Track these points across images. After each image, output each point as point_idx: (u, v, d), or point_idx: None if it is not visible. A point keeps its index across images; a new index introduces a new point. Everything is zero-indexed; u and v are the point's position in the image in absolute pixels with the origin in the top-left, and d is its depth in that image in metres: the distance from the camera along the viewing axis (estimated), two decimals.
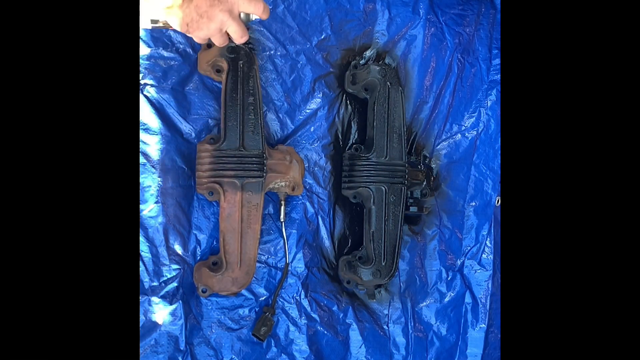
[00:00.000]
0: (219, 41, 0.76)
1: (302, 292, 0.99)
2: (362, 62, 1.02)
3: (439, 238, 1.06)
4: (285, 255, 0.98)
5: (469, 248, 1.06)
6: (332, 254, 1.02)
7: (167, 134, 0.92)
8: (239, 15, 0.75)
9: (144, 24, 0.75)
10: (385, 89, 0.99)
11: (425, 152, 1.07)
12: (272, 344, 0.97)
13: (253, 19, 0.79)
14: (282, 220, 0.97)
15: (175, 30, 0.78)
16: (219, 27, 0.74)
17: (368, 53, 1.03)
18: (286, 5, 0.97)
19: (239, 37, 0.76)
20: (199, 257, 0.95)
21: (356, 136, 1.04)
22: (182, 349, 0.92)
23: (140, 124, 0.90)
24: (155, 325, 0.91)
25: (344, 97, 1.03)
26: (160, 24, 0.76)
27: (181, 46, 0.92)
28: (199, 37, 0.75)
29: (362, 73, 1.00)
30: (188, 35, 0.75)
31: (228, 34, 0.76)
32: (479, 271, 1.05)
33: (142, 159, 0.90)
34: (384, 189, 0.98)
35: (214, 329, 0.95)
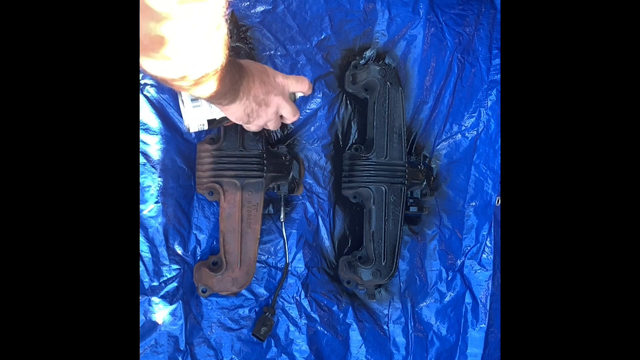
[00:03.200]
0: (274, 125, 0.80)
1: (302, 292, 0.99)
2: (362, 62, 1.02)
3: (439, 238, 1.06)
4: (285, 255, 0.98)
5: (469, 248, 1.06)
6: (332, 254, 1.02)
7: (167, 134, 0.92)
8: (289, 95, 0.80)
9: (196, 127, 0.79)
10: (385, 89, 0.99)
11: (425, 152, 1.07)
12: (272, 344, 0.97)
13: (298, 97, 0.84)
14: (282, 220, 0.97)
15: (229, 125, 0.82)
16: (275, 111, 0.77)
17: (368, 53, 1.03)
18: (286, 5, 0.97)
19: (292, 116, 0.80)
20: (199, 257, 0.95)
21: (356, 136, 1.04)
22: (182, 349, 0.92)
23: (140, 124, 0.90)
24: (155, 325, 0.91)
25: (344, 97, 1.03)
26: (217, 122, 0.81)
27: None
28: (257, 125, 0.78)
29: (362, 73, 1.00)
30: (246, 126, 0.78)
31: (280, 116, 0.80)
32: (479, 271, 1.05)
33: (142, 159, 0.90)
34: (384, 189, 0.98)
35: (214, 329, 0.95)
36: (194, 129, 0.80)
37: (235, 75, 0.67)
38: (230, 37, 0.91)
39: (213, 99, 0.68)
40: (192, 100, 0.77)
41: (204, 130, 0.82)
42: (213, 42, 0.55)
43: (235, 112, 0.74)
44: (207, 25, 0.52)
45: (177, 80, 0.57)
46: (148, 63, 0.53)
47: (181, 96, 0.78)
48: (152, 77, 0.61)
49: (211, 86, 0.62)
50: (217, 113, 0.78)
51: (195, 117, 0.79)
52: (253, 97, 0.73)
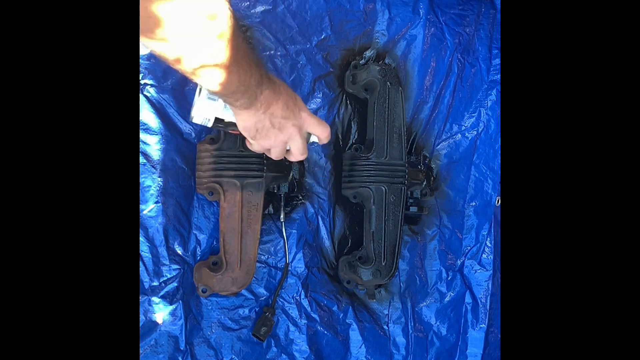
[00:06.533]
0: (277, 153, 0.77)
1: (302, 292, 0.99)
2: (362, 62, 1.02)
3: (439, 238, 1.06)
4: (285, 255, 0.98)
5: (469, 248, 1.06)
6: (332, 254, 1.02)
7: (167, 134, 0.92)
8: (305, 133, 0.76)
9: (201, 119, 0.76)
10: (385, 89, 0.99)
11: (425, 152, 1.07)
12: (272, 344, 0.97)
13: (311, 141, 0.79)
14: (282, 220, 0.97)
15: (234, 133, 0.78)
16: (285, 140, 0.74)
17: (368, 53, 1.03)
18: (286, 5, 0.97)
19: (300, 154, 0.77)
20: (199, 257, 0.95)
21: (356, 136, 1.04)
22: (182, 349, 0.92)
23: (140, 124, 0.90)
24: (155, 325, 0.91)
25: (344, 97, 1.03)
26: (222, 125, 0.77)
27: None
28: (261, 145, 0.75)
29: (362, 73, 1.00)
30: (250, 141, 0.75)
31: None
32: (479, 271, 1.05)
33: (142, 159, 0.90)
34: (384, 189, 0.98)
35: (214, 329, 0.95)
36: (198, 120, 0.77)
37: (252, 80, 0.65)
38: None
39: (225, 96, 0.66)
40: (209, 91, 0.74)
41: (204, 127, 0.79)
42: (208, 31, 0.55)
43: (246, 120, 0.71)
44: (203, 11, 0.53)
45: (174, 61, 0.57)
46: (147, 43, 0.54)
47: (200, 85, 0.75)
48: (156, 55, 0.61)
49: (216, 77, 0.61)
50: (228, 116, 0.76)
51: (205, 110, 0.75)
52: (270, 114, 0.71)
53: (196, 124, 0.94)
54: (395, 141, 1.00)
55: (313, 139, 0.80)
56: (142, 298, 0.91)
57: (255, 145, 0.76)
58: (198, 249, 0.95)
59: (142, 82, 0.90)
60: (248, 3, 0.95)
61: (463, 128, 1.07)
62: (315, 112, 1.00)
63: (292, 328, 0.98)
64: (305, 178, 1.00)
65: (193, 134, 0.94)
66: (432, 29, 1.04)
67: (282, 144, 0.75)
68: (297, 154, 0.77)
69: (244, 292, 0.96)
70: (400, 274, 1.04)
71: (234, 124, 0.75)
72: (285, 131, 0.73)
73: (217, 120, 0.76)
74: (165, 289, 0.92)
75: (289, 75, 0.98)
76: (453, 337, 1.04)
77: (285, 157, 0.79)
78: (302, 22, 0.98)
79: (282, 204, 0.97)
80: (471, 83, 1.07)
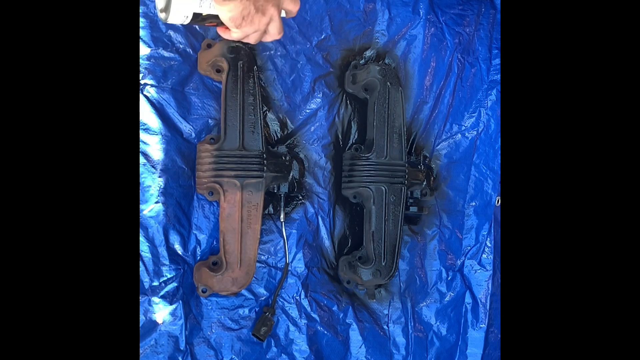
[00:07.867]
0: (257, 38, 0.74)
1: (302, 292, 0.99)
2: (362, 62, 1.02)
3: (439, 238, 1.06)
4: (285, 255, 0.98)
5: (469, 248, 1.06)
6: (332, 254, 1.02)
7: (167, 134, 0.92)
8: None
9: (180, 17, 0.70)
10: (385, 89, 0.99)
11: (425, 152, 1.07)
12: (272, 344, 0.97)
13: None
14: (282, 220, 0.97)
15: (205, 27, 0.73)
16: (267, 22, 0.72)
17: (368, 53, 1.03)
18: None
19: (278, 33, 0.74)
20: (199, 257, 0.95)
21: (356, 136, 1.04)
22: (182, 349, 0.92)
23: (140, 124, 0.90)
24: (155, 325, 0.91)
25: (344, 97, 1.03)
26: (200, 19, 0.71)
27: (181, 46, 0.92)
28: (245, 32, 0.72)
29: (362, 73, 1.00)
30: (233, 30, 0.71)
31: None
32: (479, 271, 1.05)
33: (142, 159, 0.90)
34: (384, 189, 0.98)
35: (214, 329, 0.95)
36: (176, 19, 0.70)
37: None
38: None
39: None
40: None
41: (203, 126, 0.75)
42: None
43: (232, 10, 0.68)
44: None
45: None
46: None
47: None
48: None
49: None
50: (205, 8, 0.71)
51: (183, 6, 0.70)
52: None
53: (196, 125, 0.94)
54: (395, 141, 1.00)
55: (282, 13, 0.76)
56: (142, 298, 0.91)
57: (238, 34, 0.72)
58: (198, 249, 0.95)
59: (142, 82, 0.90)
60: None
61: (463, 128, 1.07)
62: (315, 112, 1.00)
63: (292, 328, 0.98)
64: (305, 178, 1.00)
65: (193, 134, 0.94)
66: (432, 29, 1.04)
67: (264, 27, 0.73)
68: (275, 34, 0.74)
69: (244, 292, 0.96)
70: (400, 274, 1.04)
71: (212, 16, 0.71)
72: (267, 13, 0.71)
73: (195, 15, 0.71)
74: (165, 289, 0.92)
75: (289, 76, 0.98)
76: (453, 337, 1.04)
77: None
78: (302, 22, 0.98)
79: (282, 204, 0.97)
80: (471, 83, 1.07)
